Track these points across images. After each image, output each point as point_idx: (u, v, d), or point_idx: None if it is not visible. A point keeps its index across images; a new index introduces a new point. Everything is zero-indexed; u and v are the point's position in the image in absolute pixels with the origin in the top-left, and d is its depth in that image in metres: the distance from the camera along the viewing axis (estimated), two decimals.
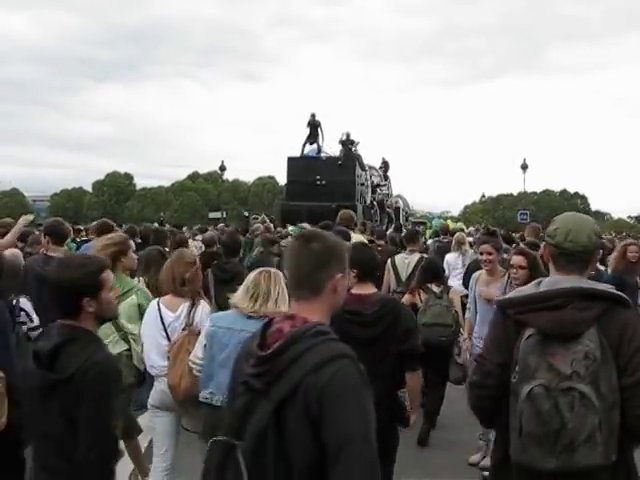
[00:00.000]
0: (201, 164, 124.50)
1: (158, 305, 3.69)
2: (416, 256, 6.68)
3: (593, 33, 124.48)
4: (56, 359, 2.19)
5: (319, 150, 21.41)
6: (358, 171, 21.02)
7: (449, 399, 5.94)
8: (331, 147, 21.85)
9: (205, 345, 3.24)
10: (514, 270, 4.67)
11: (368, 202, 22.28)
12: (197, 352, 3.31)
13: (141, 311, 3.86)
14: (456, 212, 69.46)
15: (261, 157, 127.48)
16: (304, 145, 21.33)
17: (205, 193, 69.20)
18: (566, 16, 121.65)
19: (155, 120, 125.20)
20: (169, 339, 3.61)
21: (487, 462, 4.59)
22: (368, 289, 3.38)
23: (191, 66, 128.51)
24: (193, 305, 3.66)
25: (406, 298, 5.75)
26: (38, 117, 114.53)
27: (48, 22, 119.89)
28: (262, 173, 77.53)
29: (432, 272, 5.89)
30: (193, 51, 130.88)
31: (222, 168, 44.76)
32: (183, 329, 3.60)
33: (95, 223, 7.78)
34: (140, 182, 74.14)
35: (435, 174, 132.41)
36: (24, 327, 3.96)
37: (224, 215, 30.54)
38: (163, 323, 3.64)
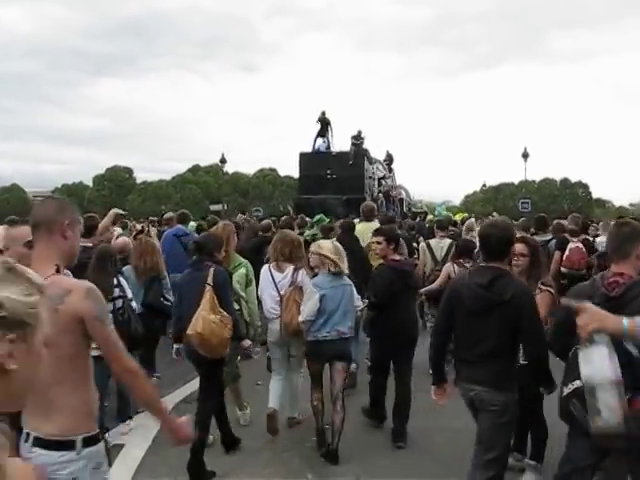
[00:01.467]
0: (201, 157, 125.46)
1: (269, 269, 5.55)
2: (447, 241, 8.60)
3: (593, 20, 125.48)
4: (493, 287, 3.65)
5: (329, 146, 23.15)
6: (366, 165, 22.79)
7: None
8: (338, 140, 23.66)
9: (319, 305, 5.10)
10: (515, 257, 4.74)
11: (375, 194, 23.82)
12: (308, 311, 5.11)
13: (247, 280, 5.52)
14: (457, 201, 70.62)
15: (261, 149, 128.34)
16: (315, 141, 23.14)
17: (206, 186, 70.13)
18: (565, 2, 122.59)
19: (155, 113, 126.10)
20: (279, 292, 5.41)
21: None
22: None
23: (190, 58, 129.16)
24: (295, 269, 5.43)
25: (445, 269, 7.51)
26: (37, 112, 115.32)
27: (44, 15, 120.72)
28: (263, 165, 78.51)
29: (466, 250, 7.55)
30: (192, 43, 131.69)
31: (222, 160, 46.09)
32: (290, 285, 5.37)
33: (176, 213, 9.99)
34: (141, 176, 75.18)
35: (435, 163, 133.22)
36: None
37: (225, 207, 31.56)
38: (274, 281, 5.44)
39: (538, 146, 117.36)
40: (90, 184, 72.77)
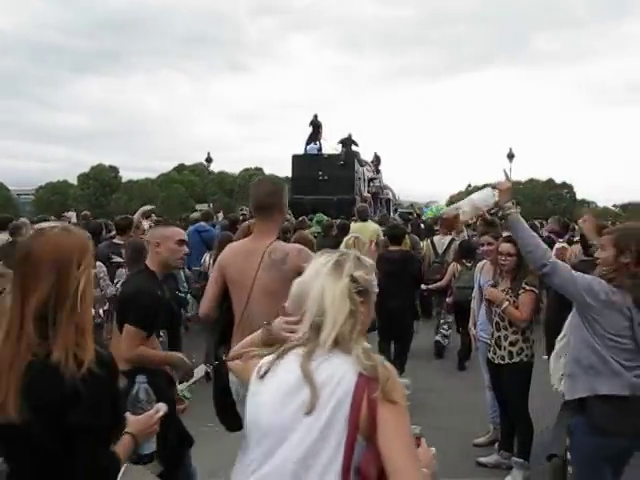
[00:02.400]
0: (187, 156, 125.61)
1: None
2: (448, 237, 9.91)
3: (578, 22, 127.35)
4: None
5: (320, 148, 24.33)
6: (356, 167, 23.91)
7: (437, 389, 7.02)
8: (328, 142, 24.77)
9: None
10: (502, 257, 4.97)
11: (364, 195, 24.76)
12: None
13: None
14: (442, 201, 71.42)
15: (247, 148, 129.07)
16: (307, 143, 24.30)
17: (191, 185, 70.54)
18: (550, 4, 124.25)
19: (139, 112, 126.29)
20: None
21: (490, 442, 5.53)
22: None
23: (175, 56, 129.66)
24: None
25: (450, 268, 8.63)
26: (18, 109, 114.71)
27: (25, 10, 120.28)
28: (248, 164, 79.02)
29: (466, 250, 8.59)
30: (177, 41, 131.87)
31: (208, 160, 46.53)
32: None
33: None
34: (126, 174, 75.37)
35: (421, 163, 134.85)
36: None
37: (210, 207, 32.32)
38: None
39: (523, 147, 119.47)
40: (74, 182, 72.78)
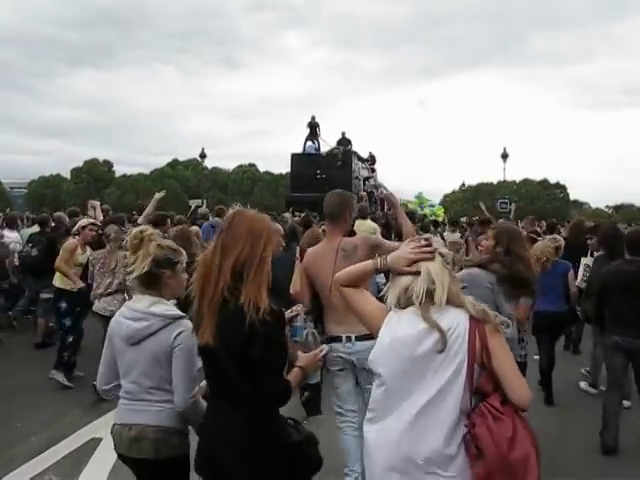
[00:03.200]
0: (181, 151, 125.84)
1: None
2: (458, 233, 11.18)
3: (574, 22, 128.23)
4: None
5: (318, 148, 25.27)
6: (353, 166, 24.74)
7: None
8: (327, 142, 25.58)
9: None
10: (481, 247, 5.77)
11: (360, 193, 25.50)
12: None
13: None
14: (436, 200, 72.08)
15: (241, 144, 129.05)
16: (305, 143, 25.30)
17: (185, 180, 70.98)
18: (545, 4, 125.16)
19: (133, 106, 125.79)
20: None
21: None
22: None
23: (169, 50, 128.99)
24: None
25: None
26: (11, 102, 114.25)
27: (18, 3, 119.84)
28: (242, 160, 79.58)
29: None
30: (170, 35, 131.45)
31: (202, 155, 47.19)
32: None
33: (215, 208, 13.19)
34: (119, 169, 75.79)
35: (415, 162, 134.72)
36: None
37: (204, 202, 32.71)
38: None
39: (518, 147, 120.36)
40: (67, 176, 73.08)
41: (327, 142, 25.23)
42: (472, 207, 59.45)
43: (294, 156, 25.07)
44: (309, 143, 25.14)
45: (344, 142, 24.76)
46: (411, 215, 13.48)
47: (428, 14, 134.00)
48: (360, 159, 25.83)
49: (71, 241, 8.02)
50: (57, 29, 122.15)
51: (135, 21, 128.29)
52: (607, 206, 77.31)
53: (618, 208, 75.04)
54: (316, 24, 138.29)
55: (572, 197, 77.15)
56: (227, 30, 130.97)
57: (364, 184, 27.14)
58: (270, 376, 2.64)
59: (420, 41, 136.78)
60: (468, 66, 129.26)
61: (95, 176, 71.64)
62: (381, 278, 6.34)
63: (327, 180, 22.84)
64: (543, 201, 72.35)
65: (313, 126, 25.24)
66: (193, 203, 20.11)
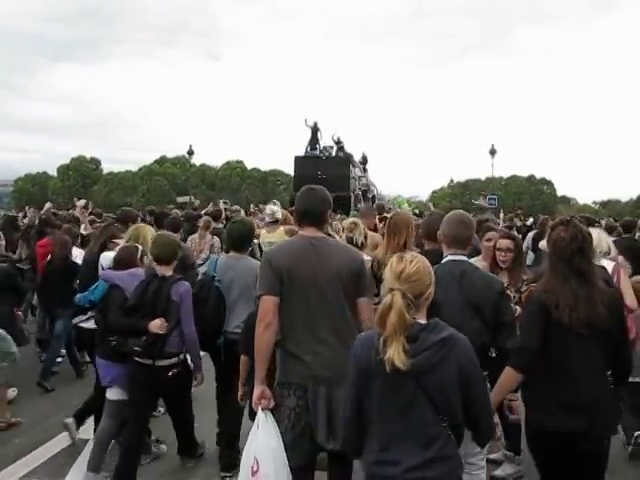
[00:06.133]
0: (168, 148, 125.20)
1: None
2: None
3: (559, 15, 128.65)
4: None
5: (320, 151, 28.24)
6: (350, 167, 27.83)
7: None
8: (323, 142, 28.47)
9: None
10: (502, 253, 5.04)
11: (356, 192, 28.36)
12: None
13: None
14: (424, 197, 72.46)
15: (229, 140, 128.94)
16: (307, 146, 28.44)
17: (173, 177, 70.95)
18: None
19: (118, 101, 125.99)
20: None
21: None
22: None
23: (153, 45, 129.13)
24: None
25: None
26: None
27: None
28: (230, 157, 79.38)
29: None
30: (154, 29, 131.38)
31: (190, 152, 46.92)
32: None
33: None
34: (106, 166, 76.00)
35: (402, 158, 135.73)
36: None
37: (192, 199, 32.54)
38: None
39: (506, 143, 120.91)
40: (53, 173, 72.53)
41: (327, 148, 28.13)
42: (460, 203, 59.54)
43: (297, 158, 28.10)
44: (309, 147, 28.15)
45: (340, 144, 27.84)
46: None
47: (415, 7, 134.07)
48: (352, 162, 28.68)
49: None
50: (39, 24, 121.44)
51: (117, 15, 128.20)
52: (594, 202, 78.23)
53: (605, 204, 75.58)
54: (302, 16, 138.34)
55: (559, 193, 78.02)
56: (210, 23, 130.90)
57: (358, 183, 29.68)
58: None
59: (406, 34, 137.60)
60: (454, 61, 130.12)
61: (82, 173, 71.10)
62: None
63: (327, 180, 24.35)
64: (531, 197, 72.56)
65: (314, 130, 27.99)
66: (181, 200, 20.05)
